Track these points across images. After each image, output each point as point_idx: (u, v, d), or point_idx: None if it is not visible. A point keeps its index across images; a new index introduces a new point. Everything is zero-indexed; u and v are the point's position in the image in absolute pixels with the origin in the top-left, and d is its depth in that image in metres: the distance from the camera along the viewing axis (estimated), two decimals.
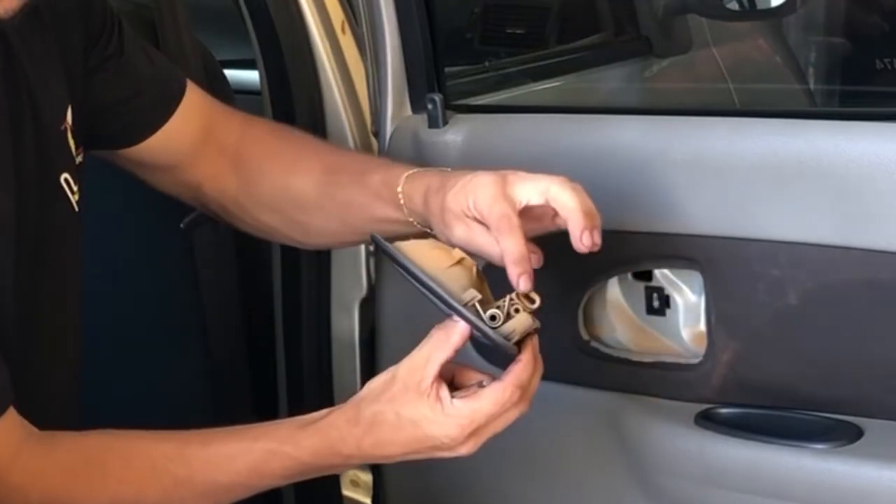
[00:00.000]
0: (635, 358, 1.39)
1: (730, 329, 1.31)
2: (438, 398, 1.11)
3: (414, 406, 1.11)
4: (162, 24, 1.68)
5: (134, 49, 1.34)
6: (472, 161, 1.42)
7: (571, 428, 1.44)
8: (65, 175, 1.24)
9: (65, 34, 1.26)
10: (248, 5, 1.66)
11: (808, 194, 1.24)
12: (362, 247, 1.63)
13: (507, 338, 1.10)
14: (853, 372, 1.27)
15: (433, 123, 1.46)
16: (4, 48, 1.18)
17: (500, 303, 1.11)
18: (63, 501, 1.14)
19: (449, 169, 1.31)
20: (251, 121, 1.44)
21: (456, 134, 1.45)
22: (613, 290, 1.41)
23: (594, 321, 1.42)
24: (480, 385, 1.12)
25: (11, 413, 1.11)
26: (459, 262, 1.14)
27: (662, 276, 1.38)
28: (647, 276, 1.39)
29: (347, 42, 1.67)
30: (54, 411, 1.25)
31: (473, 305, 1.10)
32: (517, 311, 1.11)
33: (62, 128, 1.23)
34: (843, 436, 1.25)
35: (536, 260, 1.16)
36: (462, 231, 1.19)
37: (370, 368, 1.63)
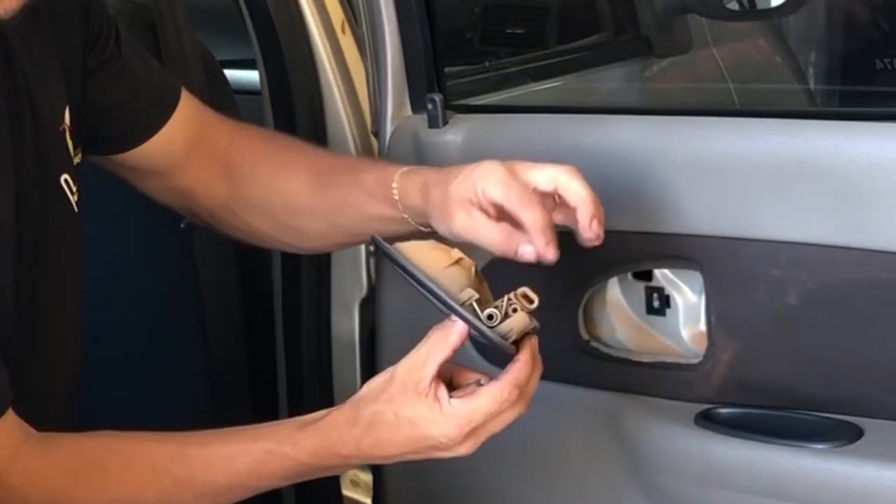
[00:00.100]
0: (635, 358, 1.39)
1: (730, 329, 1.31)
2: (437, 398, 1.11)
3: (412, 406, 1.11)
4: (162, 24, 1.68)
5: (131, 53, 1.35)
6: (472, 161, 1.42)
7: (571, 428, 1.44)
8: (64, 176, 1.24)
9: (64, 34, 1.26)
10: (248, 5, 1.66)
11: (808, 194, 1.24)
12: (362, 247, 1.63)
13: (504, 337, 1.10)
14: (853, 372, 1.27)
15: (433, 123, 1.46)
16: (4, 48, 1.18)
17: (498, 303, 1.11)
18: (63, 502, 1.14)
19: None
20: (241, 126, 1.44)
21: (456, 134, 1.45)
22: (613, 290, 1.41)
23: (594, 321, 1.42)
24: (478, 384, 1.12)
25: (10, 415, 1.11)
26: (458, 262, 1.14)
27: (662, 276, 1.38)
28: (647, 276, 1.39)
29: (347, 42, 1.67)
30: (54, 411, 1.25)
31: (471, 305, 1.10)
32: (515, 310, 1.11)
33: (61, 129, 1.24)
34: (843, 436, 1.25)
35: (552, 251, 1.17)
36: (464, 219, 1.20)
37: (370, 368, 1.63)
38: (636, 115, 1.43)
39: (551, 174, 1.18)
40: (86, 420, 1.25)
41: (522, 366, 1.11)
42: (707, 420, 1.32)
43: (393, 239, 1.17)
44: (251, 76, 1.84)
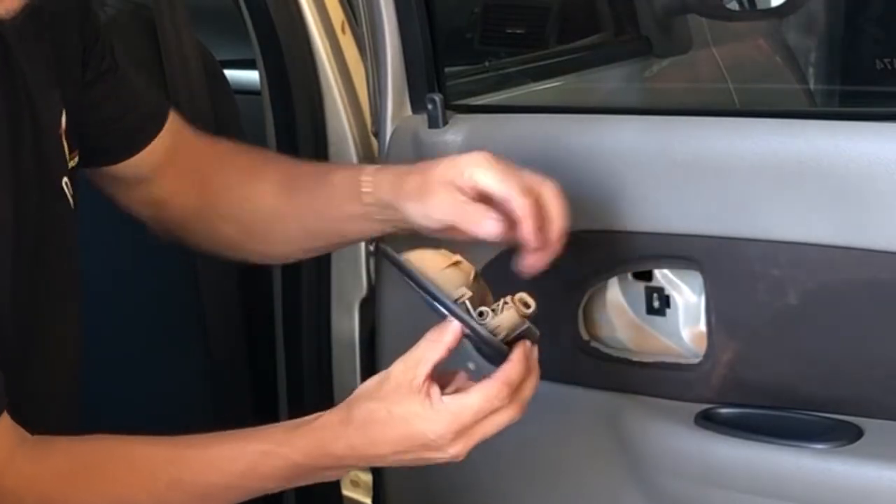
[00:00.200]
0: (635, 358, 1.39)
1: (730, 329, 1.31)
2: (429, 395, 1.11)
3: (405, 403, 1.12)
4: (162, 24, 1.68)
5: (126, 66, 1.36)
6: None
7: (571, 428, 1.44)
8: (64, 178, 1.24)
9: (63, 37, 1.26)
10: (248, 5, 1.66)
11: (808, 194, 1.24)
12: (362, 247, 1.63)
13: (493, 333, 1.11)
14: (853, 372, 1.27)
15: (433, 123, 1.46)
16: (3, 49, 1.18)
17: (494, 305, 1.13)
18: None
19: None
20: (213, 138, 1.46)
21: (456, 134, 1.45)
22: (613, 290, 1.41)
23: (594, 321, 1.42)
24: (467, 369, 1.13)
25: (5, 418, 1.11)
26: (456, 264, 1.15)
27: (662, 276, 1.38)
28: (647, 276, 1.39)
29: (347, 42, 1.67)
30: (55, 411, 1.25)
31: (463, 303, 1.11)
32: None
33: (59, 131, 1.24)
34: (843, 436, 1.24)
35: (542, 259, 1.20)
36: (443, 198, 1.24)
37: (370, 368, 1.63)
38: (636, 115, 1.43)
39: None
40: (86, 420, 1.25)
41: (514, 365, 1.12)
42: (707, 420, 1.31)
43: (361, 240, 1.19)
44: (251, 76, 1.83)
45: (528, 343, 1.13)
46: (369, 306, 1.63)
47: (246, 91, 1.93)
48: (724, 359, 1.32)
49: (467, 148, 1.43)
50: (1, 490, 1.10)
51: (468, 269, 1.15)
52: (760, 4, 2.35)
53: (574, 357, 1.41)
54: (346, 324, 1.67)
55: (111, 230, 1.61)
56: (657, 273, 1.38)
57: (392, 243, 1.26)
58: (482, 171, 1.22)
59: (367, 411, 1.13)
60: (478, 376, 1.14)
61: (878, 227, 1.21)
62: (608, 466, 1.40)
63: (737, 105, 2.08)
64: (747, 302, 1.30)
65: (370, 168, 1.35)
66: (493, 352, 1.12)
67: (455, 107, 1.49)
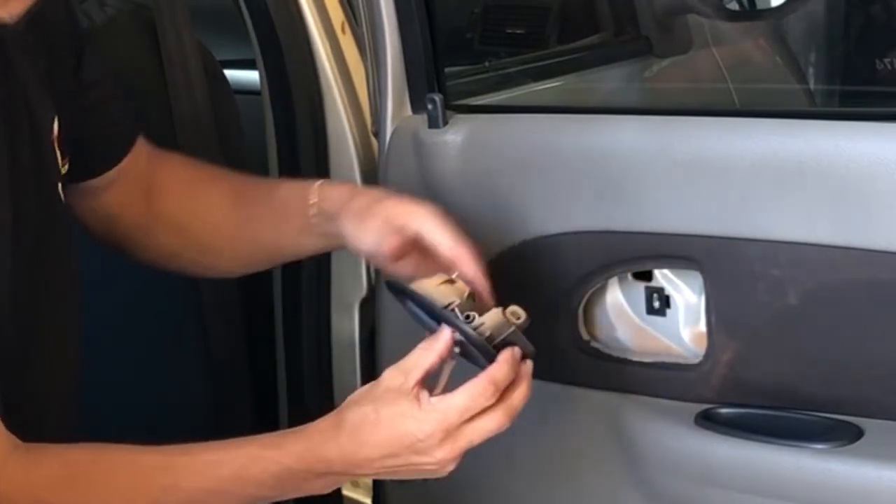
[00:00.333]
0: (635, 358, 1.39)
1: (730, 329, 1.31)
2: (417, 398, 1.13)
3: (394, 405, 1.13)
4: (162, 24, 1.68)
5: (105, 78, 1.37)
6: (472, 161, 1.42)
7: (571, 428, 1.44)
8: (59, 182, 1.24)
9: (54, 45, 1.27)
10: (248, 5, 1.66)
11: (808, 194, 1.24)
12: None
13: (478, 331, 1.13)
14: (853, 372, 1.27)
15: (433, 123, 1.46)
16: (2, 51, 1.18)
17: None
18: None
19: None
20: (165, 152, 1.46)
21: (456, 134, 1.45)
22: (613, 290, 1.41)
23: (594, 321, 1.42)
24: (447, 308, 1.16)
25: None
26: (450, 282, 1.19)
27: (662, 276, 1.38)
28: (647, 276, 1.39)
29: (347, 42, 1.67)
30: (55, 411, 1.25)
31: (453, 310, 1.14)
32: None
33: (52, 137, 1.24)
34: (843, 436, 1.25)
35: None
36: (378, 231, 1.27)
37: (370, 369, 1.63)
38: (636, 115, 1.43)
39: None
40: (86, 420, 1.25)
41: (500, 365, 1.13)
42: (707, 420, 1.32)
43: (304, 255, 1.21)
44: (251, 76, 1.83)
45: (516, 349, 1.15)
46: (369, 307, 1.63)
47: (246, 91, 1.93)
48: (724, 359, 1.32)
49: (467, 148, 1.43)
50: None
51: (462, 287, 1.19)
52: (760, 4, 2.34)
53: (574, 357, 1.41)
54: (346, 324, 1.67)
55: None
56: (657, 273, 1.38)
57: None
58: (436, 231, 1.25)
59: (358, 415, 1.14)
60: None
61: (878, 227, 1.21)
62: (608, 466, 1.40)
63: (737, 105, 2.08)
64: (747, 302, 1.30)
65: (320, 181, 1.38)
66: (480, 355, 1.14)
67: (455, 107, 1.49)
